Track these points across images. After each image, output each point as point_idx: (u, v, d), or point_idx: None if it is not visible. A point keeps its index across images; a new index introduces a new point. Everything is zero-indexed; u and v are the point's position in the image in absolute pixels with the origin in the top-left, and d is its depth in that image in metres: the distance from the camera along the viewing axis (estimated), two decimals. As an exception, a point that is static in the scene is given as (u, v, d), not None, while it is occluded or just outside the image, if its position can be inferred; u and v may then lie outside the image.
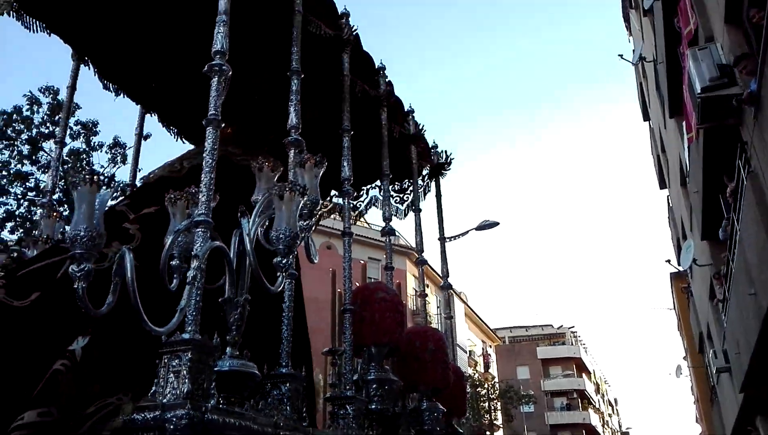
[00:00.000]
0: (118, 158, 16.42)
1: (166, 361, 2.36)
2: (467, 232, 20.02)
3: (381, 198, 5.59)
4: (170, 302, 2.55)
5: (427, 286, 25.64)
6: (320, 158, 3.23)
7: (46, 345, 2.59)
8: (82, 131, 16.21)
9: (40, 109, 15.91)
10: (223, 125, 4.10)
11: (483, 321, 36.48)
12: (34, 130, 15.88)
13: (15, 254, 3.66)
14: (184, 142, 5.31)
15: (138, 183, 4.62)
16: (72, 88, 4.35)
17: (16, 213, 15.65)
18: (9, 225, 15.53)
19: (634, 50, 16.43)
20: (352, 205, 5.42)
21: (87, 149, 16.30)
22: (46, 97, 15.84)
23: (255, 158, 4.00)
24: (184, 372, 2.32)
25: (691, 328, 19.36)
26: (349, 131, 4.31)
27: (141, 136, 4.95)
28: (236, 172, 3.84)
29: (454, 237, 18.05)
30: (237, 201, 3.23)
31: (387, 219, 4.71)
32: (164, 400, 2.25)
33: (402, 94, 5.39)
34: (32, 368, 2.46)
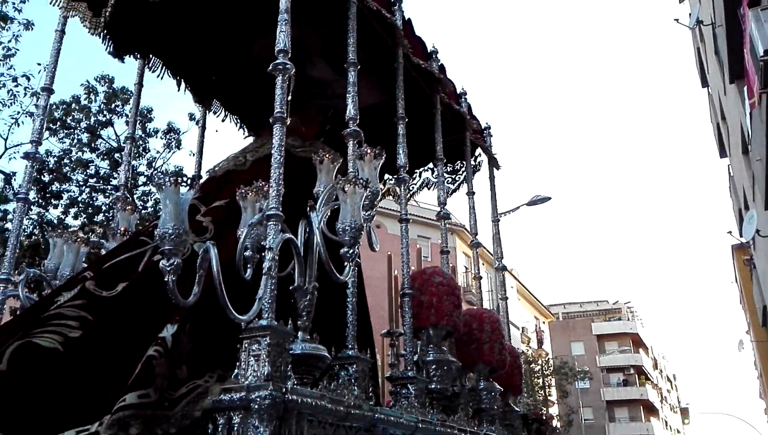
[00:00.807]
0: (173, 144, 17.09)
1: (246, 345, 2.59)
2: (518, 207, 19.97)
3: (434, 180, 5.74)
4: (240, 290, 2.78)
5: (483, 264, 25.72)
6: (379, 150, 3.40)
7: (136, 332, 2.87)
8: (138, 118, 16.86)
9: (97, 98, 16.62)
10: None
11: (535, 297, 36.35)
12: (92, 119, 16.63)
13: (96, 247, 3.98)
14: (244, 132, 5.58)
15: (204, 175, 4.90)
16: (139, 84, 4.64)
17: (79, 199, 16.48)
18: (72, 211, 16.39)
19: (690, 14, 15.90)
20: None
21: (143, 135, 16.98)
22: (102, 85, 16.52)
23: (314, 150, 4.22)
24: (264, 356, 2.54)
25: (754, 301, 18.89)
26: (404, 118, 4.44)
27: (204, 129, 5.22)
28: (296, 163, 4.05)
29: (505, 213, 18.02)
30: (297, 191, 3.44)
31: (442, 203, 4.85)
32: (246, 382, 2.49)
33: (448, 61, 5.40)
34: (125, 354, 2.75)
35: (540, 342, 34.36)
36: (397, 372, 4.09)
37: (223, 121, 5.51)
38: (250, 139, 5.32)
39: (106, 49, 4.51)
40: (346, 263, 2.98)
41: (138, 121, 17.15)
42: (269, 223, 2.90)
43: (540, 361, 29.09)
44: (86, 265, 3.59)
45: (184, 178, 2.61)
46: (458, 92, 5.65)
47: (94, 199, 16.80)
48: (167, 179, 2.52)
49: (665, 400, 57.73)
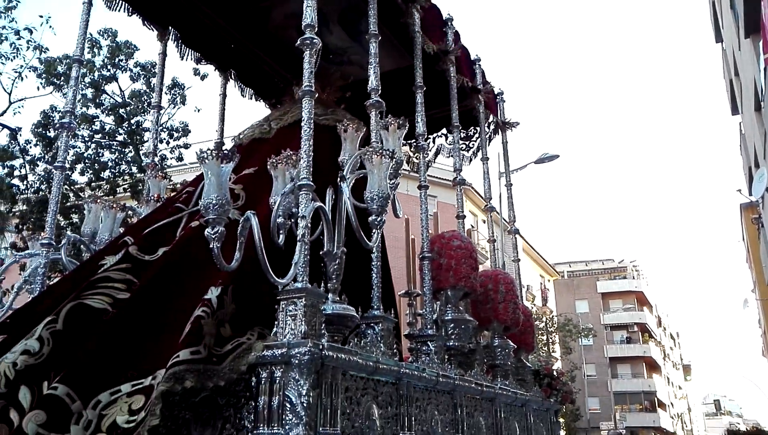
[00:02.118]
0: (178, 99, 17.16)
1: (284, 306, 2.84)
2: (526, 165, 20.10)
3: (448, 147, 5.91)
4: (270, 254, 3.01)
5: (484, 222, 26.04)
6: (403, 121, 3.58)
7: (177, 293, 3.12)
8: (141, 73, 16.90)
9: (100, 52, 16.62)
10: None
11: (541, 256, 36.76)
12: (96, 74, 16.65)
13: (132, 213, 4.21)
14: (257, 101, 5.73)
15: (227, 143, 5.08)
16: (163, 54, 4.79)
17: (85, 155, 16.65)
18: (79, 167, 16.58)
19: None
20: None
21: (147, 90, 17.04)
22: (106, 39, 16.51)
23: (337, 117, 4.40)
24: (300, 315, 2.79)
25: (761, 259, 19.19)
26: (422, 87, 4.60)
27: (225, 98, 5.38)
28: (319, 131, 4.23)
29: (513, 171, 18.19)
30: (321, 158, 3.63)
31: (458, 170, 5.04)
32: (285, 340, 2.75)
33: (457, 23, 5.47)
34: (169, 313, 3.01)
35: (545, 300, 34.93)
36: (416, 330, 4.37)
37: (243, 95, 5.66)
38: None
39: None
40: (373, 230, 3.20)
41: (143, 76, 17.20)
42: (301, 192, 3.12)
43: (544, 319, 29.64)
44: (123, 230, 3.83)
45: (227, 154, 2.79)
46: (472, 59, 5.76)
47: (100, 154, 16.96)
48: (209, 153, 2.73)
49: (668, 357, 58.81)
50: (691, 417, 67.52)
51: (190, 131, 17.51)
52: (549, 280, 38.87)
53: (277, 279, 2.77)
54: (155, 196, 4.20)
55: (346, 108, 4.84)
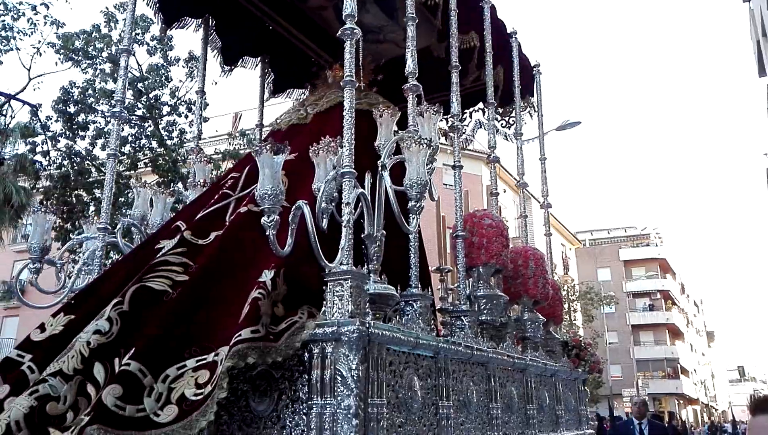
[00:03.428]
0: (195, 72, 17.35)
1: (331, 287, 3.10)
2: (547, 132, 20.10)
3: (486, 122, 6.05)
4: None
5: (504, 191, 26.14)
6: (438, 107, 3.78)
7: (229, 274, 3.40)
8: (158, 46, 17.10)
9: (117, 26, 16.81)
10: (335, 67, 4.69)
11: (562, 224, 36.83)
12: (113, 48, 16.87)
13: (181, 197, 4.48)
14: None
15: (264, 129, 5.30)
16: (205, 40, 4.98)
17: (105, 130, 16.98)
18: (99, 142, 16.94)
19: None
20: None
21: (165, 64, 17.25)
22: (122, 13, 16.67)
23: (370, 101, 4.60)
24: (347, 296, 3.05)
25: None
26: (457, 67, 4.72)
27: (263, 80, 5.58)
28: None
29: (534, 139, 18.24)
30: (356, 142, 3.85)
31: (492, 147, 5.18)
32: (334, 319, 3.01)
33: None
34: (223, 293, 3.28)
35: (566, 268, 35.11)
36: (448, 305, 4.63)
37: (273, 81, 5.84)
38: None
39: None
40: (412, 215, 3.44)
41: (158, 49, 17.37)
42: (344, 179, 3.35)
43: (565, 287, 29.87)
44: (174, 215, 4.10)
45: (279, 147, 3.02)
46: (508, 32, 5.83)
47: (120, 129, 17.30)
48: (263, 147, 2.97)
49: (691, 324, 58.94)
50: (714, 383, 67.85)
51: (208, 104, 17.73)
52: (570, 249, 38.99)
53: (326, 262, 3.03)
54: (201, 181, 4.46)
55: (381, 91, 5.02)
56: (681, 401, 48.42)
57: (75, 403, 2.85)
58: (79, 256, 4.08)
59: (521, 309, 4.92)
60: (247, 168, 4.12)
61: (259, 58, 5.79)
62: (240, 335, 2.82)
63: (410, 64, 4.08)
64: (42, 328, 3.48)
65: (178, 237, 3.55)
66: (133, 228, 4.27)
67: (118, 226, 4.19)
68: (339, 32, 3.55)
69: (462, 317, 4.12)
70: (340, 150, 3.54)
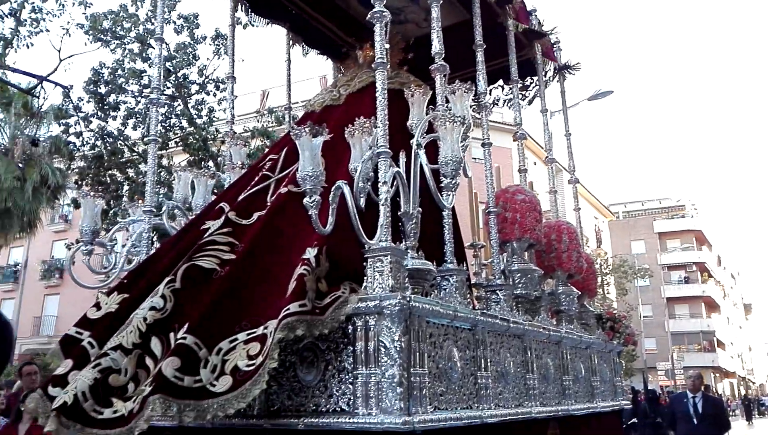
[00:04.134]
0: (221, 50, 17.54)
1: (371, 263, 3.26)
2: (578, 103, 19.96)
3: (505, 98, 6.14)
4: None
5: (534, 164, 26.02)
6: (469, 86, 3.88)
7: (273, 253, 3.58)
8: (184, 24, 17.31)
9: (143, 4, 17.04)
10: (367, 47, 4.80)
11: (594, 196, 36.53)
12: (141, 27, 17.13)
13: (219, 177, 4.67)
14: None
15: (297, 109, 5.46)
16: (232, 26, 5.12)
17: (135, 110, 17.32)
18: (131, 122, 17.30)
19: None
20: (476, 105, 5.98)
21: (192, 42, 17.45)
22: (147, -8, 16.90)
23: (401, 80, 4.71)
24: (387, 271, 3.21)
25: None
26: (482, 46, 4.82)
27: (289, 62, 5.72)
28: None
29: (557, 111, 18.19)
30: (389, 121, 3.97)
31: (518, 124, 5.29)
32: (375, 293, 3.18)
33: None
34: (272, 271, 3.46)
35: (599, 241, 34.90)
36: (482, 279, 4.77)
37: (304, 55, 5.98)
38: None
39: None
40: (448, 192, 3.57)
41: (184, 28, 17.56)
42: (380, 159, 3.49)
43: (598, 260, 29.76)
44: (216, 197, 4.30)
45: (318, 130, 3.18)
46: (529, 9, 5.88)
47: (150, 109, 17.61)
48: (303, 130, 3.13)
49: (728, 296, 58.23)
50: (751, 356, 67.12)
51: (236, 82, 17.91)
52: (603, 222, 38.70)
53: (367, 240, 3.19)
54: (239, 163, 4.65)
55: (411, 70, 5.12)
56: (717, 374, 48.11)
57: (135, 375, 3.08)
58: (127, 239, 4.29)
59: (555, 282, 5.03)
60: (284, 150, 4.28)
61: (288, 37, 5.92)
62: (288, 309, 2.99)
63: (436, 44, 4.17)
64: (97, 306, 3.72)
65: (223, 218, 3.74)
66: (176, 210, 4.48)
67: (164, 209, 4.41)
68: (368, 15, 3.65)
69: (497, 291, 4.26)
70: (375, 130, 3.67)
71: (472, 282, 4.80)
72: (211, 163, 16.49)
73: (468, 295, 3.92)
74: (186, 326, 3.15)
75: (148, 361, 3.13)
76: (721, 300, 53.50)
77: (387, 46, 3.68)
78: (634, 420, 11.32)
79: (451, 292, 3.69)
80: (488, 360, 3.68)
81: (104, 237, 4.38)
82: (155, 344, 3.17)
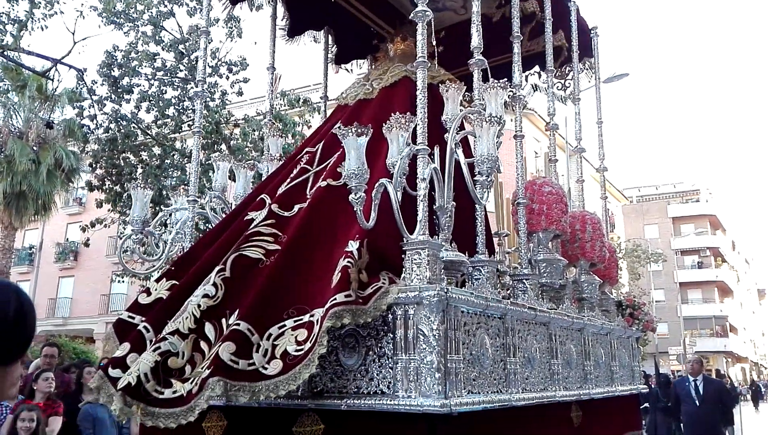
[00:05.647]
0: (234, 32, 17.71)
1: (410, 255, 3.50)
2: (593, 86, 20.01)
3: (542, 86, 6.26)
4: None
5: (549, 147, 26.15)
6: (504, 83, 4.08)
7: (314, 243, 3.83)
8: (198, 7, 17.46)
9: (156, -15, 17.16)
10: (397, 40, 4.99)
11: (608, 180, 36.60)
12: (154, 10, 17.29)
13: (256, 169, 4.91)
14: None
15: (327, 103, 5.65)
16: (273, 17, 5.31)
17: (149, 93, 17.53)
18: (144, 105, 17.52)
19: None
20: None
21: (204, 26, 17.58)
22: (160, -27, 17.02)
23: (432, 73, 4.89)
24: (425, 263, 3.44)
25: None
26: (519, 37, 4.91)
27: (327, 54, 5.92)
28: (416, 89, 4.75)
29: (582, 92, 18.32)
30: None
31: (551, 114, 5.39)
32: (414, 284, 3.42)
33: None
34: (314, 262, 3.71)
35: (612, 226, 35.03)
36: (506, 268, 5.00)
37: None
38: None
39: None
40: (483, 189, 3.79)
41: (200, 11, 17.75)
42: (418, 156, 3.72)
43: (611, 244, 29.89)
44: (256, 188, 4.54)
45: (363, 130, 3.40)
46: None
47: (163, 92, 17.79)
48: (350, 131, 3.36)
49: (741, 281, 58.28)
50: (764, 341, 67.27)
51: (248, 65, 18.07)
52: (617, 206, 38.79)
53: (408, 234, 3.43)
54: (277, 154, 4.88)
55: (441, 62, 5.30)
56: (729, 359, 48.38)
57: (192, 358, 3.35)
58: (171, 228, 4.55)
59: (578, 271, 5.26)
60: (321, 143, 4.51)
61: (322, 32, 6.10)
62: (335, 299, 3.24)
63: (475, 39, 4.32)
64: (148, 292, 4.00)
65: (266, 210, 3.99)
66: (216, 199, 4.73)
67: (207, 199, 4.66)
68: (411, 15, 3.85)
69: (523, 280, 4.49)
70: (411, 126, 3.89)
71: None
72: (223, 146, 16.73)
73: (497, 285, 4.15)
74: (237, 313, 3.42)
75: (203, 345, 3.40)
76: (735, 285, 53.59)
77: (426, 49, 3.83)
78: (646, 405, 11.57)
79: (483, 282, 3.93)
80: (516, 347, 3.92)
81: (154, 226, 4.61)
82: (209, 329, 3.44)
